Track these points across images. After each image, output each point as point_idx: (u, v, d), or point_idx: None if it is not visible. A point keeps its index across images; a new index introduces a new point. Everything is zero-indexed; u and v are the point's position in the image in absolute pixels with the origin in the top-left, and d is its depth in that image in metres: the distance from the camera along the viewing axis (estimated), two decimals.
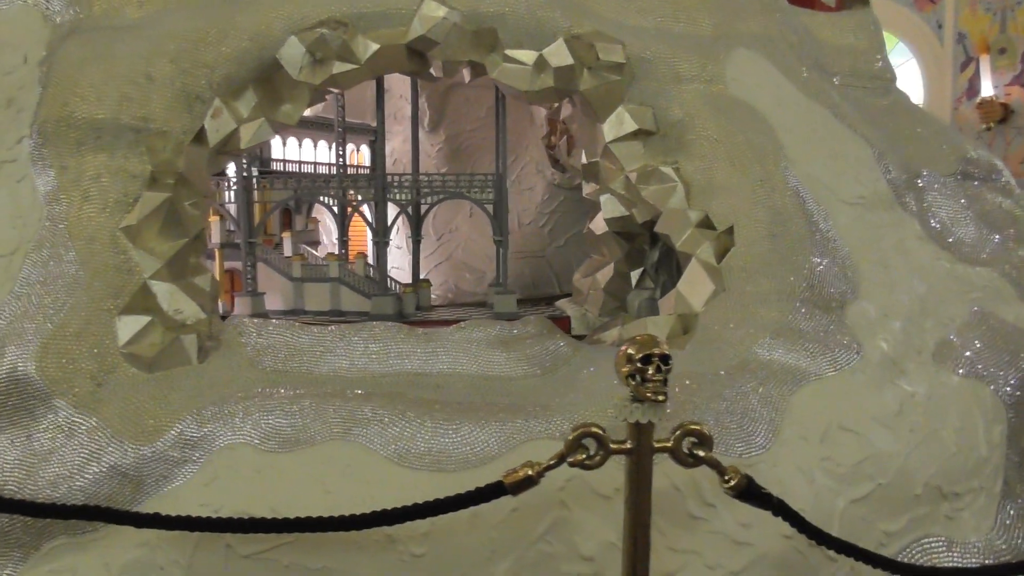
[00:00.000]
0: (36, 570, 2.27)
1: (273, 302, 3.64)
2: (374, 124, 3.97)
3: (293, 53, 2.93)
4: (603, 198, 3.45)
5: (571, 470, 1.88)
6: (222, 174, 3.64)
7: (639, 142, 3.25)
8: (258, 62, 2.94)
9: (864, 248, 3.13)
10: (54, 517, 2.15)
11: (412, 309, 3.62)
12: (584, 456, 1.88)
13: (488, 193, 3.74)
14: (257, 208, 3.78)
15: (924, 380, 2.71)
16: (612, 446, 1.89)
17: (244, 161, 3.61)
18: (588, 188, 3.56)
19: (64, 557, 2.27)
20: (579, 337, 3.31)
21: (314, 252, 4.06)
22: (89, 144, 2.71)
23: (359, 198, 3.79)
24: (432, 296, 4.15)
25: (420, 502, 1.96)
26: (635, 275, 3.68)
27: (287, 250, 3.85)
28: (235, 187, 3.56)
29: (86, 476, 2.36)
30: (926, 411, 2.64)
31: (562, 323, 3.51)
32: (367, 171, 4.36)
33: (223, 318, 3.04)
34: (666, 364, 1.83)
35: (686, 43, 3.24)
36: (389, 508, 1.98)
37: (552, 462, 1.87)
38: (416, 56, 3.04)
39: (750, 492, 1.91)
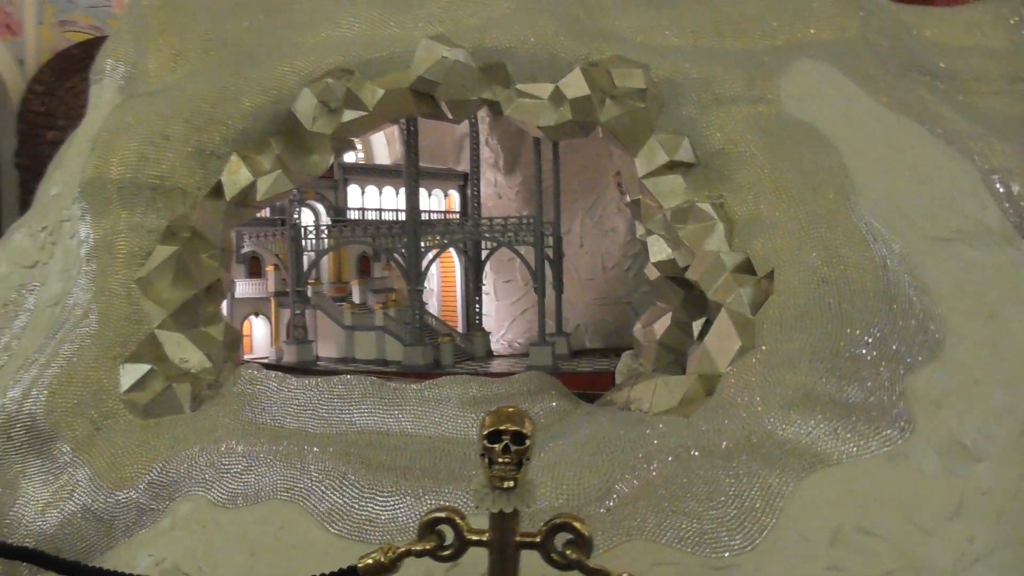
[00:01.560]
0: None
1: (328, 349, 3.70)
2: (460, 168, 3.94)
3: (306, 105, 2.97)
4: (649, 239, 3.11)
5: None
6: (283, 223, 3.78)
7: (678, 175, 2.90)
8: (274, 115, 3.01)
9: (959, 295, 2.53)
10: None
11: (449, 360, 3.49)
12: (435, 544, 1.63)
13: (548, 239, 3.53)
14: (331, 256, 3.87)
15: (1007, 473, 2.09)
16: (470, 536, 1.62)
17: (297, 211, 3.72)
18: (639, 229, 3.23)
19: None
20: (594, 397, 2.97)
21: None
22: (116, 203, 2.91)
23: (424, 244, 3.75)
24: (501, 344, 3.99)
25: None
26: (698, 325, 3.25)
27: (356, 298, 3.91)
28: (287, 237, 3.68)
29: (64, 513, 2.49)
30: (1001, 516, 2.03)
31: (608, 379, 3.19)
32: (456, 216, 4.33)
33: (273, 365, 3.11)
34: (519, 444, 1.54)
35: (729, 59, 2.84)
36: None
37: (404, 549, 1.65)
38: (424, 98, 2.95)
39: None
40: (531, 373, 2.69)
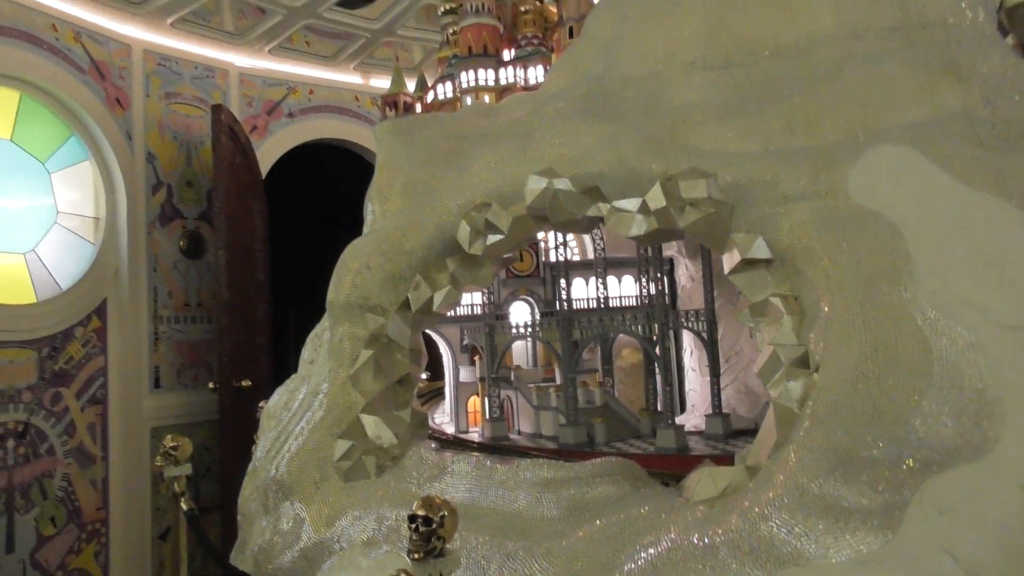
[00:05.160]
0: None
1: (525, 426, 4.39)
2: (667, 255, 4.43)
3: (463, 232, 3.81)
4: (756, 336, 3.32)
5: None
6: (500, 319, 4.62)
7: (760, 270, 3.11)
8: (444, 243, 3.91)
9: None
10: None
11: (603, 438, 3.92)
12: None
13: (702, 323, 3.85)
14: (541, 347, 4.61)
15: None
16: None
17: (490, 303, 4.52)
18: None
19: None
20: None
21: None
22: (342, 318, 4.04)
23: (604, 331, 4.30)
24: (701, 418, 4.25)
25: None
26: None
27: (559, 379, 4.57)
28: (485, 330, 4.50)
29: (293, 553, 3.58)
30: None
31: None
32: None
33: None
34: (427, 526, 2.15)
35: (796, 157, 3.01)
36: None
37: None
38: (542, 220, 3.59)
39: None
40: (610, 458, 3.11)
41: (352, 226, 4.62)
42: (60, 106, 8.01)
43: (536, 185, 3.49)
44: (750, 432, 4.22)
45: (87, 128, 8.20)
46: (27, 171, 7.89)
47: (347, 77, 10.72)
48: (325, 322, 4.34)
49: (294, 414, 4.21)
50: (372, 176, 4.40)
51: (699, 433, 4.23)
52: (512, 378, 4.68)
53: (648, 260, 4.55)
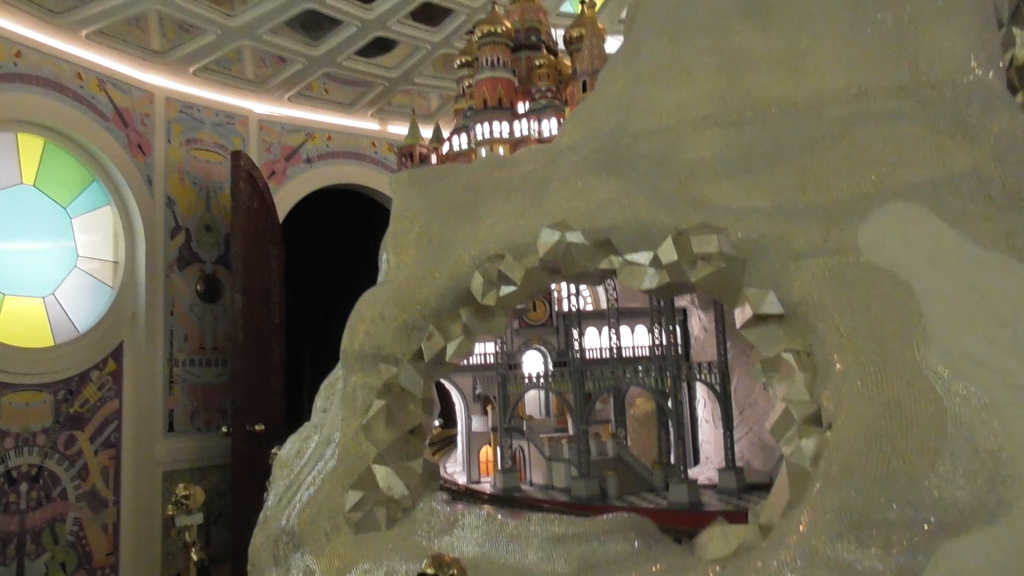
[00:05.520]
0: None
1: (537, 477, 4.37)
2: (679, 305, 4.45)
3: (477, 283, 3.85)
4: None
5: None
6: (512, 368, 4.63)
7: (775, 326, 3.12)
8: (458, 293, 3.94)
9: None
10: None
11: (615, 491, 3.90)
12: None
13: (715, 376, 3.85)
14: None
15: None
16: None
17: (502, 352, 4.54)
18: None
19: None
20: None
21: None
22: (356, 367, 4.07)
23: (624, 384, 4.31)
24: (714, 471, 4.23)
25: None
26: None
27: (571, 430, 4.56)
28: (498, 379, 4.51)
29: None
30: None
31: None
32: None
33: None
34: None
35: (808, 214, 3.04)
36: None
37: None
38: (554, 272, 3.62)
39: None
40: (621, 514, 3.09)
41: (365, 269, 4.67)
42: (83, 152, 8.20)
43: (549, 238, 3.53)
44: (764, 486, 4.19)
45: (108, 173, 8.38)
46: (49, 215, 8.05)
47: (364, 123, 10.91)
48: (339, 371, 4.37)
49: (306, 463, 4.22)
50: (387, 220, 4.47)
51: (712, 487, 4.18)
52: (524, 428, 4.68)
53: (661, 311, 4.57)
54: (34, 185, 7.90)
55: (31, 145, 7.89)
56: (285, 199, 10.17)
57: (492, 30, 6.69)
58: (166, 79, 9.01)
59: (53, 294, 7.94)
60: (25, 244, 7.81)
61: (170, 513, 4.25)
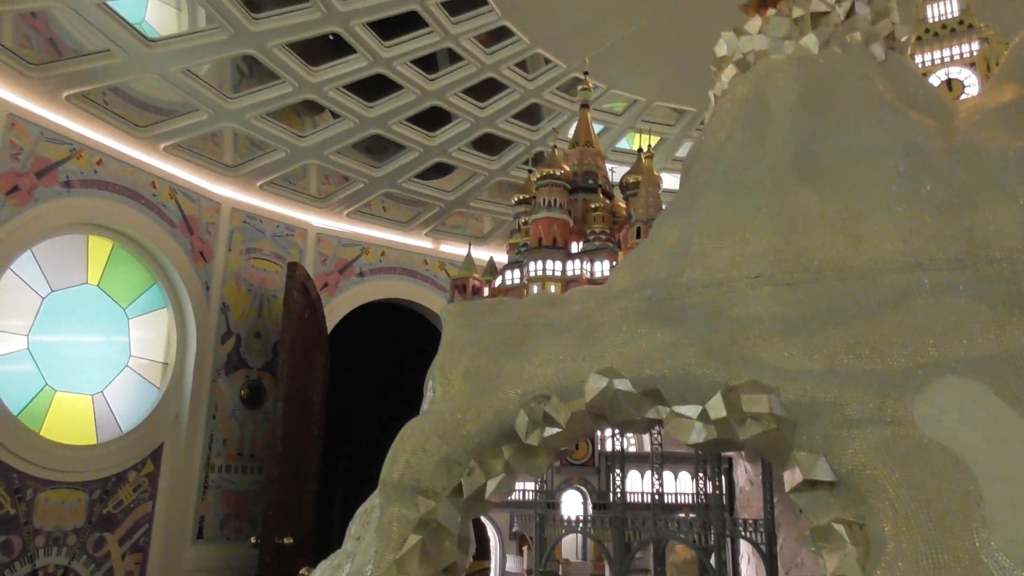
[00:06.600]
0: None
1: None
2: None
3: (521, 422, 3.85)
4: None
5: None
6: (551, 507, 4.56)
7: (825, 493, 3.05)
8: (501, 430, 3.94)
9: None
10: None
11: None
12: None
13: (760, 534, 3.75)
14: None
15: None
16: None
17: (541, 491, 4.47)
18: None
19: None
20: None
21: None
22: (394, 498, 4.05)
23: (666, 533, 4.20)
24: None
25: None
26: None
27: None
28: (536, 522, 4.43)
29: None
30: None
31: None
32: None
33: None
34: None
35: (862, 381, 3.02)
36: None
37: None
38: (600, 417, 3.62)
39: None
40: None
41: (408, 383, 4.69)
42: (148, 256, 8.56)
43: (597, 384, 3.55)
44: None
45: (169, 277, 8.70)
46: (108, 315, 8.33)
47: (418, 241, 11.24)
48: (375, 499, 4.34)
49: None
50: (431, 333, 4.54)
51: None
52: (560, 572, 4.55)
53: (706, 459, 4.50)
54: (98, 285, 8.24)
55: (100, 248, 8.27)
56: (336, 310, 10.40)
57: (551, 172, 6.96)
58: (234, 191, 9.47)
59: (102, 392, 8.13)
60: (82, 342, 8.07)
61: None
